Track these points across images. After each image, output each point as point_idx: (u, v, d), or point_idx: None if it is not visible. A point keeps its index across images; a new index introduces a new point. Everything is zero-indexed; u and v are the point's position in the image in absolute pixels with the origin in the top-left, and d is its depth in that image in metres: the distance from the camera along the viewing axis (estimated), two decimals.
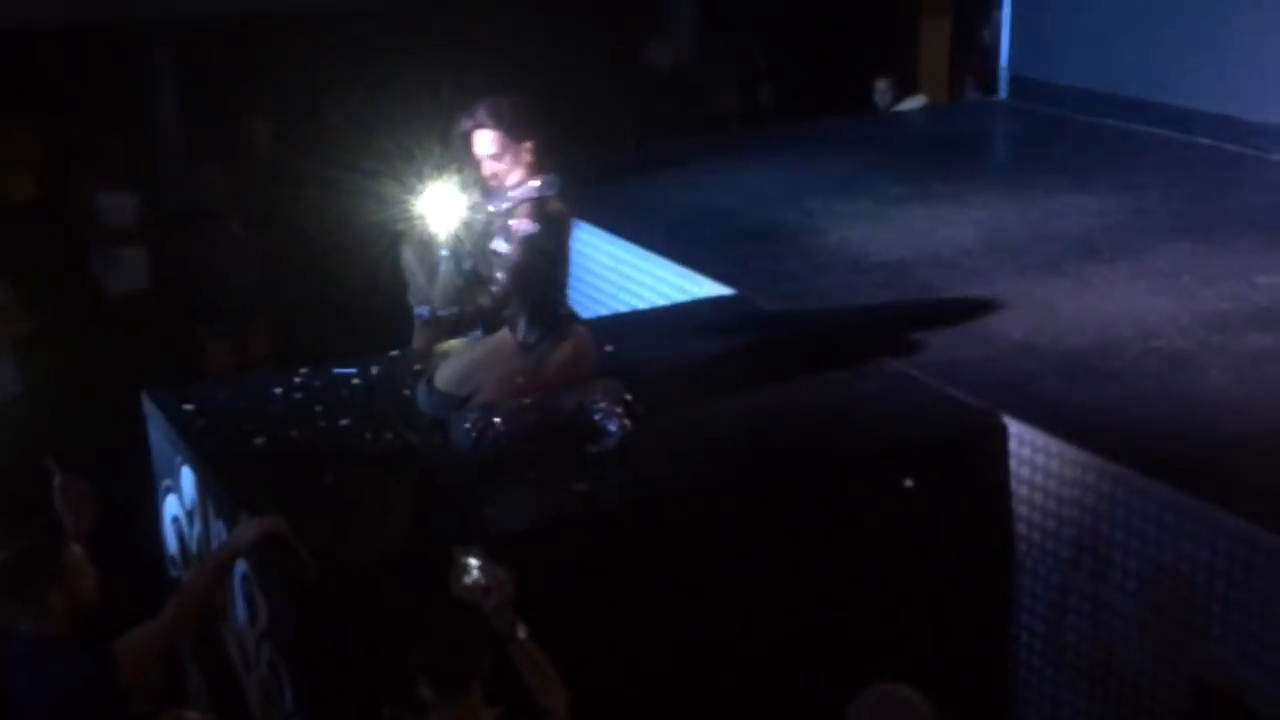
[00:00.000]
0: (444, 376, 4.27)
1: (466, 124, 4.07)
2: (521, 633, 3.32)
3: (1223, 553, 3.78)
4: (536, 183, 4.06)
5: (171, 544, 4.61)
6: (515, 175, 4.07)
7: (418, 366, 4.50)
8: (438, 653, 3.23)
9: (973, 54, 10.91)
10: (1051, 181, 6.97)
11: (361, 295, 6.33)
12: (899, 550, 4.24)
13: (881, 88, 9.50)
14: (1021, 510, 4.32)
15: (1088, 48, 8.28)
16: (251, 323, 7.64)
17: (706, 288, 5.55)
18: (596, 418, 4.12)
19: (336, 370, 4.69)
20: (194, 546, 4.37)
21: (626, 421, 4.11)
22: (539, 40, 10.61)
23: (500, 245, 4.06)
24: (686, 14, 10.73)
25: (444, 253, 4.03)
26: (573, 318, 4.27)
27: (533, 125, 4.07)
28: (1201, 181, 6.96)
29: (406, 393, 4.45)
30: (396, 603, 3.46)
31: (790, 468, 4.18)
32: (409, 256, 4.13)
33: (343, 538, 3.75)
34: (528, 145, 4.06)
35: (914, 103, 9.59)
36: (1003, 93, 9.01)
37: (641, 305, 5.84)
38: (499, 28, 10.15)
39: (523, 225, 4.00)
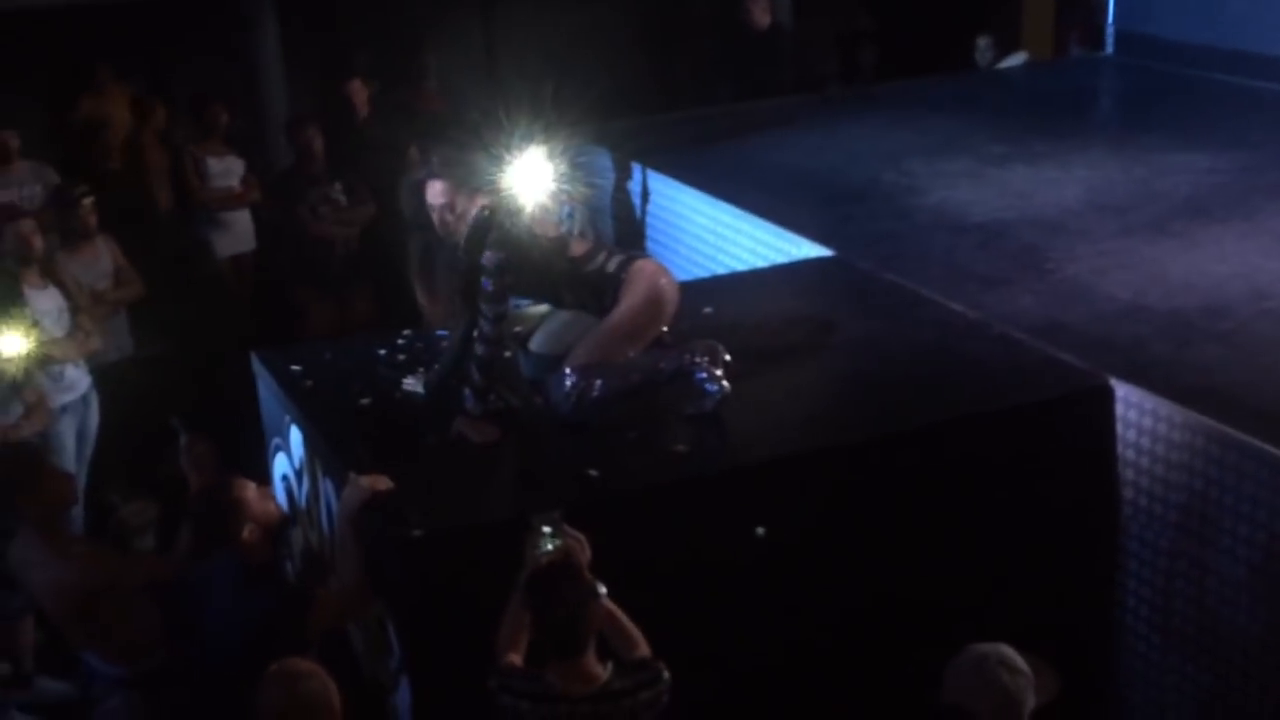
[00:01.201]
0: (539, 338, 4.31)
1: (421, 174, 4.14)
2: (601, 590, 3.37)
3: None
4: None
5: (281, 500, 4.71)
6: (465, 225, 4.10)
7: (518, 329, 4.54)
8: (557, 610, 3.29)
9: (1078, 9, 10.67)
10: (1159, 139, 6.82)
11: None
12: (1001, 514, 4.21)
13: (982, 45, 9.34)
14: (1128, 475, 4.25)
15: (1197, 0, 8.06)
16: (353, 286, 7.75)
17: (805, 249, 5.53)
18: (696, 378, 4.13)
19: (439, 333, 4.74)
20: (303, 503, 4.47)
21: (725, 383, 4.11)
22: (637, 2, 10.58)
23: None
24: None
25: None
26: (625, 264, 4.20)
27: (486, 177, 4.06)
28: None
29: (506, 355, 4.50)
30: (499, 560, 3.51)
31: (890, 430, 4.15)
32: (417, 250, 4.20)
33: (446, 496, 3.81)
34: (479, 199, 4.08)
35: (1016, 60, 9.41)
36: (1109, 48, 8.82)
37: (740, 267, 5.83)
38: None
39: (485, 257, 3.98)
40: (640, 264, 4.22)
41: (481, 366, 4.04)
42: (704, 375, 4.12)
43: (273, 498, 4.06)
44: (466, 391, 4.09)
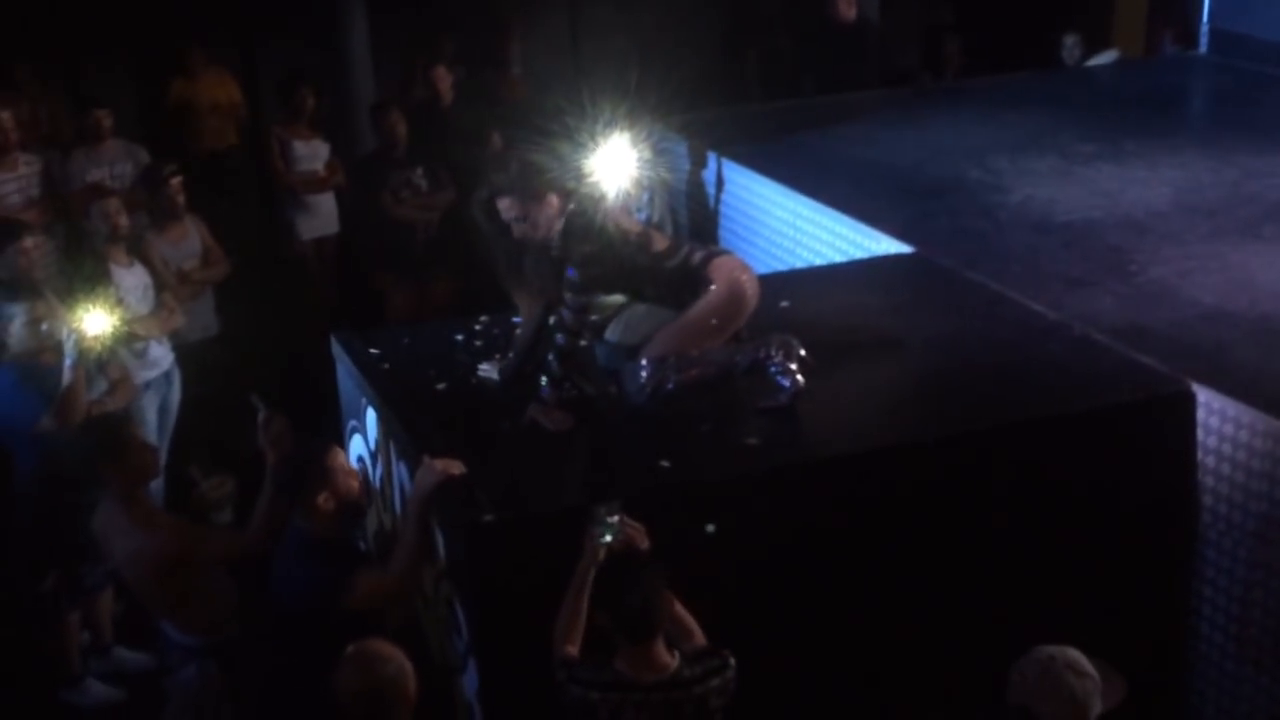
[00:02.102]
0: (616, 328, 4.33)
1: (484, 193, 4.13)
2: None
3: None
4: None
5: None
6: (544, 228, 4.09)
7: (594, 317, 4.56)
8: (632, 596, 3.31)
9: (1172, 7, 10.47)
10: (1251, 141, 6.68)
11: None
12: (1077, 517, 4.16)
13: (1069, 44, 9.19)
14: (1208, 482, 4.18)
15: None
16: (433, 271, 7.82)
17: (885, 244, 5.49)
18: (771, 372, 4.12)
19: (515, 319, 4.78)
20: (377, 485, 4.53)
21: (800, 378, 4.11)
22: None
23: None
24: None
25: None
26: (707, 260, 4.20)
27: (547, 176, 4.06)
28: None
29: (583, 343, 4.52)
30: (568, 547, 3.53)
31: (967, 429, 4.12)
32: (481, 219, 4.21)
33: (517, 482, 3.84)
34: (550, 199, 4.07)
35: (1105, 58, 9.25)
36: (1203, 47, 8.65)
37: (819, 261, 5.80)
38: None
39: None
40: (721, 260, 4.23)
41: (560, 356, 4.07)
42: (778, 369, 4.12)
43: (357, 475, 4.13)
44: (542, 379, 4.11)
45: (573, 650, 3.42)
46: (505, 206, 4.12)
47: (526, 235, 4.14)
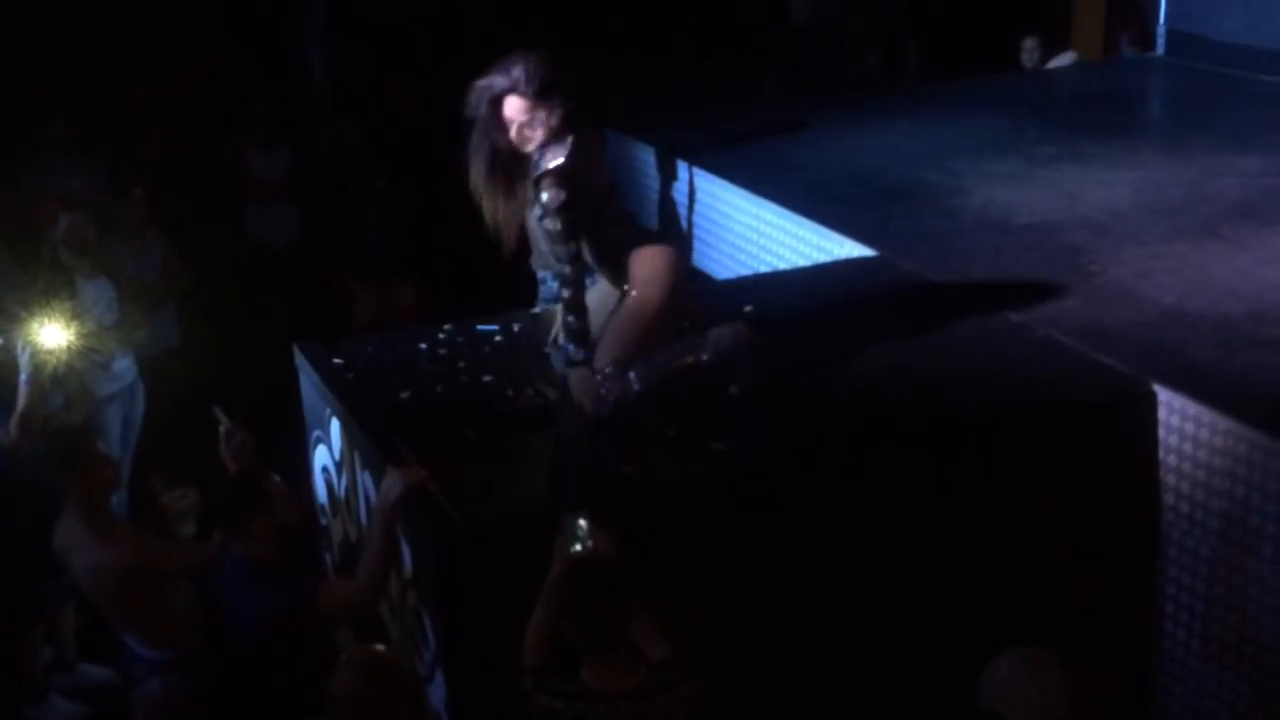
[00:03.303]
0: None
1: (498, 84, 4.01)
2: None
3: None
4: (556, 158, 3.99)
5: (321, 493, 4.76)
6: (539, 139, 4.01)
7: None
8: (595, 605, 3.30)
9: (1129, 9, 10.57)
10: (1209, 141, 6.74)
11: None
12: (1041, 519, 4.18)
13: (1029, 46, 9.25)
14: (1169, 480, 4.21)
15: (1249, 1, 7.96)
16: (397, 278, 7.79)
17: (848, 248, 5.50)
18: (730, 355, 4.13)
19: (479, 328, 4.76)
20: (342, 496, 4.50)
21: (753, 366, 4.13)
22: None
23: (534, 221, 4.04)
24: None
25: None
26: (639, 239, 4.20)
27: (559, 85, 4.00)
28: None
29: (547, 350, 4.52)
30: (537, 557, 3.52)
31: (931, 431, 4.14)
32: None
33: (485, 492, 3.83)
34: (555, 109, 3.99)
35: (1064, 60, 9.32)
36: (1160, 49, 8.72)
37: (782, 266, 5.81)
38: None
39: (546, 196, 3.97)
40: (644, 251, 4.18)
41: (571, 307, 4.02)
42: (737, 350, 4.13)
43: (294, 499, 4.07)
44: (567, 345, 4.07)
45: (541, 659, 3.41)
46: (514, 108, 4.00)
47: (523, 142, 4.03)
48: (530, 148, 4.04)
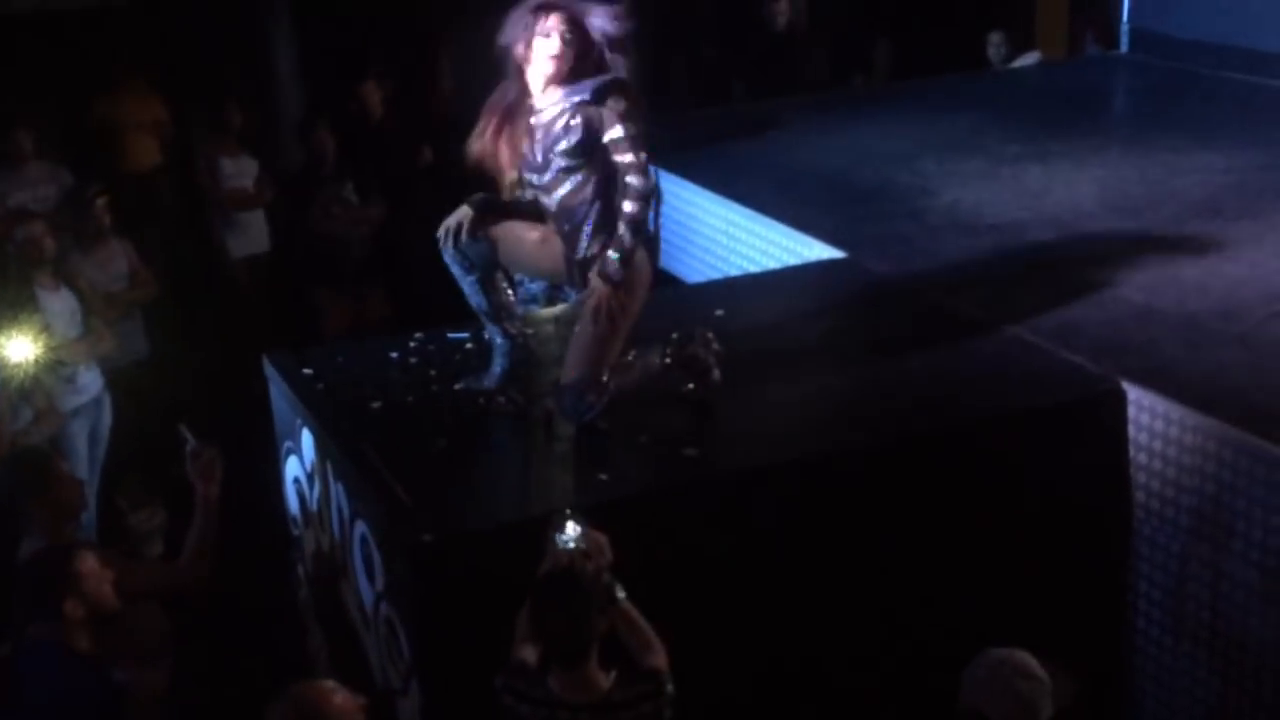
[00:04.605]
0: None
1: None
2: (620, 594, 3.36)
3: None
4: (619, 71, 3.81)
5: (293, 504, 4.73)
6: (569, 63, 3.83)
7: (530, 331, 4.53)
8: (556, 619, 3.28)
9: (1093, 7, 10.62)
10: (1174, 139, 6.78)
11: None
12: (1013, 518, 4.20)
13: (995, 41, 9.28)
14: (1140, 478, 4.24)
15: None
16: (368, 287, 7.77)
17: (817, 250, 5.52)
18: (696, 356, 4.15)
19: (451, 336, 4.75)
20: (314, 506, 4.48)
21: (716, 370, 4.14)
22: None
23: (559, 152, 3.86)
24: None
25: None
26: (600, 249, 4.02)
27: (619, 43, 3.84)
28: None
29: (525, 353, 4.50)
30: (511, 565, 3.51)
31: (902, 433, 4.15)
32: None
33: (457, 500, 3.82)
34: (598, 51, 3.82)
35: (1029, 59, 9.37)
36: (1124, 47, 8.78)
37: (752, 268, 5.82)
38: None
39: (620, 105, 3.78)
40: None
41: (630, 223, 3.83)
42: (702, 353, 4.15)
43: (111, 580, 3.75)
44: (610, 255, 3.87)
45: (529, 657, 3.38)
46: (548, 25, 3.80)
47: (559, 65, 3.82)
48: (554, 69, 3.85)
